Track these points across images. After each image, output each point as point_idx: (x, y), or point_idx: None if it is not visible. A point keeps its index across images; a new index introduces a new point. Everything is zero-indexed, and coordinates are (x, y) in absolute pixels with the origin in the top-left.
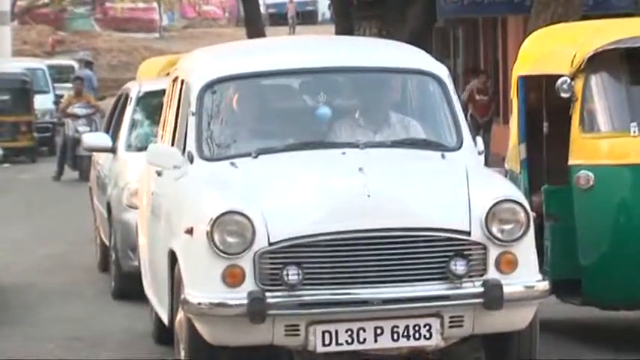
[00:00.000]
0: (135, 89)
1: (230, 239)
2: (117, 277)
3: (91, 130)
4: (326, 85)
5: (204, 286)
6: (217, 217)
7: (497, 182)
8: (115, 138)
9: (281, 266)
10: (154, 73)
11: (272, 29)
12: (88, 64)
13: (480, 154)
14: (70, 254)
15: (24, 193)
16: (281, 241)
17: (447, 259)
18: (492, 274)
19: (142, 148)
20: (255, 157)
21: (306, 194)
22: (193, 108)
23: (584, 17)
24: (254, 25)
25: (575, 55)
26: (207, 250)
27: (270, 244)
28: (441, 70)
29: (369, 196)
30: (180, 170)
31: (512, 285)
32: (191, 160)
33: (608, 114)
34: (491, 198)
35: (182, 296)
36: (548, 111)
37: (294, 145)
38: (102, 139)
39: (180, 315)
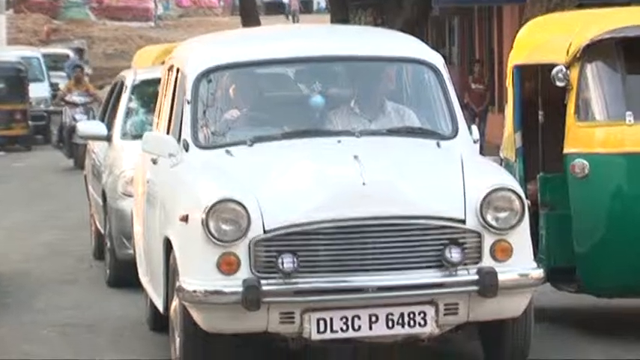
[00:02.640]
0: (130, 77)
1: (225, 227)
2: (112, 265)
3: (88, 119)
4: (321, 74)
5: (199, 273)
6: (212, 205)
7: (492, 170)
8: (110, 126)
9: (276, 254)
10: (149, 61)
11: (267, 18)
12: (78, 52)
13: (475, 142)
14: (65, 242)
15: (19, 182)
16: (276, 229)
17: (441, 246)
18: (487, 261)
19: (137, 136)
20: (251, 145)
21: (301, 182)
22: (189, 96)
23: (580, 6)
24: (249, 14)
25: (570, 44)
26: (202, 238)
27: (265, 231)
28: (436, 59)
29: (364, 184)
30: (175, 158)
31: (506, 272)
32: (186, 148)
33: (604, 103)
34: (486, 186)
35: (177, 284)
36: (544, 100)
37: (290, 133)
38: (97, 127)
39: (175, 302)
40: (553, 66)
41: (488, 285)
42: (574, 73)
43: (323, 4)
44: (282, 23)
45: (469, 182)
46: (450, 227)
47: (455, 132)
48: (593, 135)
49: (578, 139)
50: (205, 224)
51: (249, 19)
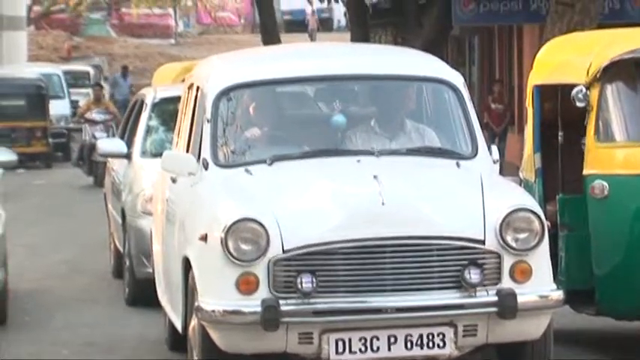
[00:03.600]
0: (150, 95)
1: (244, 246)
2: (131, 284)
3: (107, 136)
4: (341, 93)
5: (218, 293)
6: (232, 224)
7: (511, 191)
8: (130, 144)
9: (295, 274)
10: (169, 79)
11: (287, 36)
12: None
13: (494, 162)
14: (84, 260)
15: (39, 199)
16: (295, 249)
17: (461, 267)
18: (506, 283)
19: (157, 155)
20: (270, 164)
21: (320, 202)
22: (208, 115)
23: (600, 26)
24: (269, 32)
25: (590, 65)
26: (221, 257)
27: (285, 251)
28: (457, 79)
29: (383, 203)
30: (195, 177)
31: (526, 294)
32: (206, 167)
33: (624, 124)
34: (506, 206)
35: (196, 303)
36: (564, 120)
37: (309, 152)
38: (117, 144)
39: (193, 322)
40: (573, 86)
41: (507, 307)
42: (594, 94)
43: (343, 22)
44: (303, 41)
45: (489, 203)
46: (470, 248)
47: (475, 152)
48: (613, 156)
49: (598, 160)
50: (224, 244)
51: (270, 37)
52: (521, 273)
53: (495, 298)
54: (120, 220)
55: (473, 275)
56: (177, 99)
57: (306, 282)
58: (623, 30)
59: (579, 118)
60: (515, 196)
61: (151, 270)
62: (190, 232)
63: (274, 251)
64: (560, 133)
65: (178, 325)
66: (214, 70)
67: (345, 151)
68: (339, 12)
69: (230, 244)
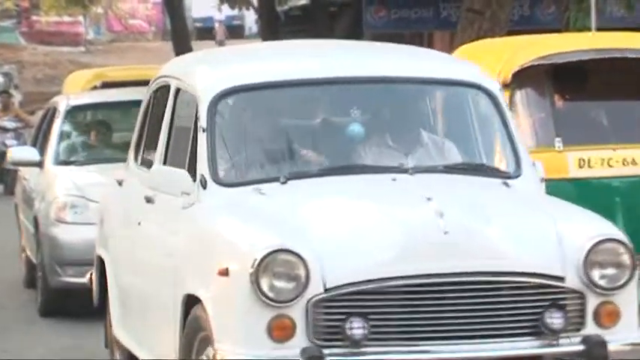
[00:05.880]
0: (63, 103)
1: (279, 284)
2: (44, 293)
3: (19, 144)
4: (360, 98)
5: (244, 340)
6: (264, 257)
7: (587, 217)
8: (42, 152)
9: (341, 317)
10: (79, 86)
11: (198, 43)
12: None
13: (541, 181)
14: None
15: None
16: (340, 287)
17: (540, 309)
18: (591, 328)
19: (70, 162)
20: (284, 182)
21: (366, 229)
22: (204, 123)
23: (511, 32)
24: (181, 39)
25: (500, 71)
26: (250, 297)
27: (326, 290)
28: (492, 84)
29: (446, 232)
30: (189, 197)
31: (615, 342)
32: (204, 186)
33: (533, 129)
34: (588, 237)
35: (210, 352)
36: None
37: (328, 169)
38: (29, 152)
39: None
40: None
41: (597, 357)
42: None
43: (255, 29)
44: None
45: (564, 231)
46: (549, 286)
47: (519, 169)
48: None
49: None
50: (255, 280)
51: (181, 44)
52: (608, 316)
53: (582, 347)
54: (32, 229)
55: (554, 319)
56: (90, 106)
57: (356, 327)
58: (532, 36)
59: None
60: (595, 224)
61: (65, 279)
62: (198, 265)
63: (314, 289)
64: None
65: None
66: (204, 69)
67: (371, 168)
68: (251, 19)
69: (263, 281)
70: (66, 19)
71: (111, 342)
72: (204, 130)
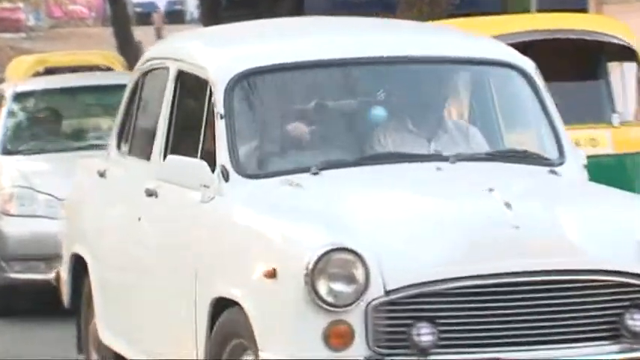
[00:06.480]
0: (9, 90)
1: (337, 286)
2: None
3: None
4: (389, 80)
5: (296, 348)
6: (321, 256)
7: None
8: None
9: (405, 322)
10: (22, 72)
11: (138, 29)
12: None
13: (585, 167)
14: None
15: None
16: (402, 289)
17: (621, 311)
18: None
19: (17, 152)
20: (316, 173)
21: (426, 224)
22: (221, 109)
23: (453, 15)
24: (121, 25)
25: None
26: (303, 301)
27: (387, 292)
28: (528, 63)
29: (517, 227)
30: (209, 191)
31: None
32: (226, 178)
33: None
34: None
35: None
36: None
37: (363, 158)
38: None
39: None
40: None
41: None
42: None
43: (196, 14)
44: (152, 34)
45: (636, 224)
46: (630, 285)
47: (562, 156)
48: None
49: None
50: (311, 282)
51: (121, 29)
52: None
53: None
54: None
55: (637, 321)
56: (38, 93)
57: (424, 333)
58: (475, 18)
59: None
60: None
61: (11, 275)
62: (231, 265)
63: (374, 292)
64: None
65: None
66: (216, 50)
67: (408, 156)
68: (193, 4)
69: (319, 284)
70: (6, 4)
71: (86, 345)
72: (222, 117)
